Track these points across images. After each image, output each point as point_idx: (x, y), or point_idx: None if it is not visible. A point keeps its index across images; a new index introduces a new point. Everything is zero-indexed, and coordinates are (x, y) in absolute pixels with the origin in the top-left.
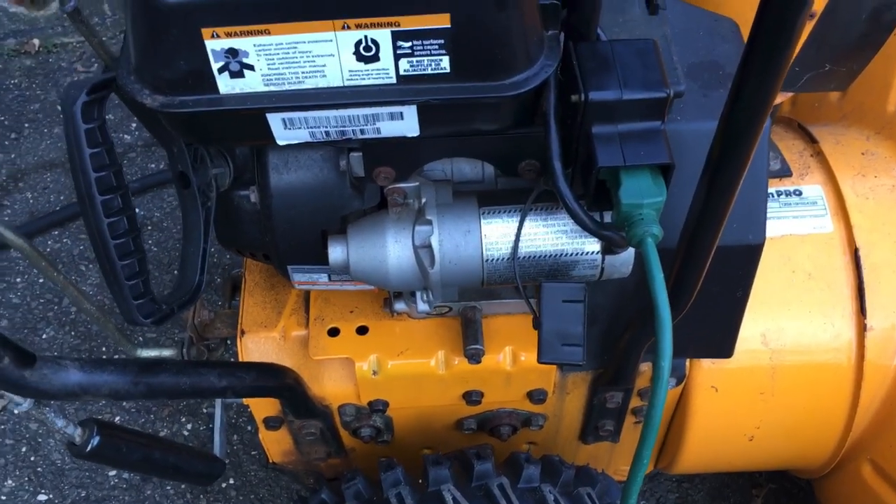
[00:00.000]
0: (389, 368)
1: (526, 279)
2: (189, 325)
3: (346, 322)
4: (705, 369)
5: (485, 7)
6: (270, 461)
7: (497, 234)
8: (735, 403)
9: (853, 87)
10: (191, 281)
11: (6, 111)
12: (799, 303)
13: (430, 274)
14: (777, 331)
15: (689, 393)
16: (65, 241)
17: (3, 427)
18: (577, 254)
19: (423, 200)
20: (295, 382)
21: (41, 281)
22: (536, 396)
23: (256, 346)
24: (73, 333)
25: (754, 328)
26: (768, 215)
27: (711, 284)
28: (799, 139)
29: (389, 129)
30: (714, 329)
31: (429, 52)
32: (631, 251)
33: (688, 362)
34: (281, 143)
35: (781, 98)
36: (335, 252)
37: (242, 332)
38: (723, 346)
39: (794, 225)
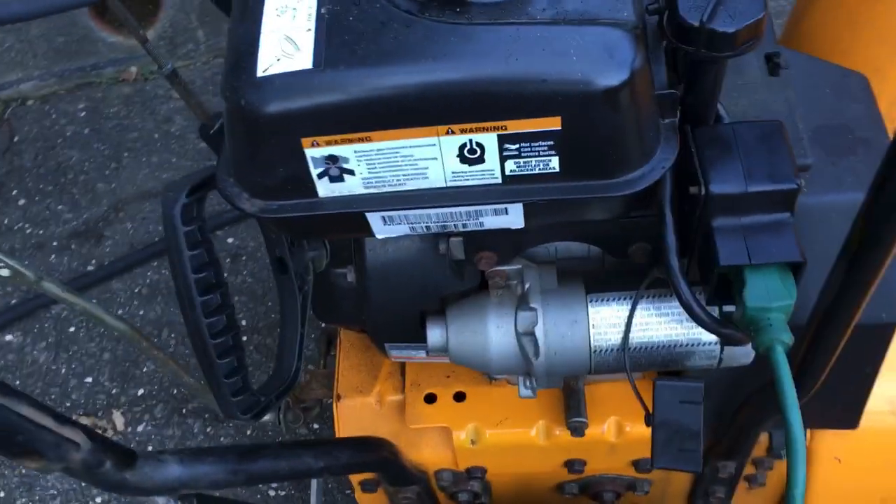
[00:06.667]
0: (488, 438)
1: (637, 369)
2: None
3: (443, 388)
4: (828, 440)
5: (598, 108)
6: None
7: (606, 324)
8: (861, 475)
9: None
10: (288, 368)
11: (106, 140)
12: None
13: (535, 364)
14: None
15: (810, 465)
16: (163, 272)
17: None
18: (692, 344)
19: (527, 286)
20: (390, 454)
21: (141, 313)
22: (642, 465)
23: (352, 412)
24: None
25: (881, 394)
26: None
27: (837, 360)
28: None
29: (493, 222)
30: (838, 401)
31: (537, 154)
32: None
33: (808, 432)
34: (380, 236)
35: None
36: (434, 335)
37: (338, 398)
38: (848, 417)
39: None
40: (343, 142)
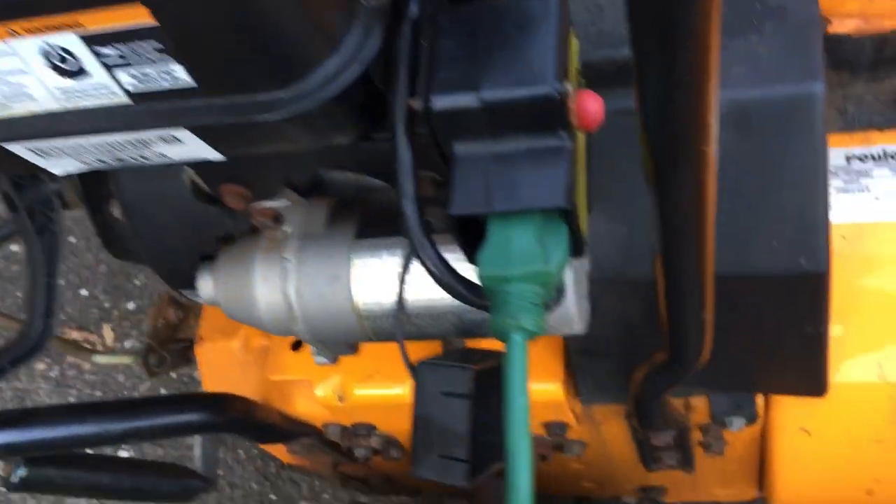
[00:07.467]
0: (356, 396)
1: (426, 337)
2: (148, 332)
3: None
4: (793, 409)
5: None
6: (285, 463)
7: (373, 281)
8: (839, 450)
9: None
10: (35, 327)
11: None
12: None
13: (296, 329)
14: None
15: (771, 436)
16: None
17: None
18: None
19: (288, 229)
20: (245, 414)
21: None
22: (555, 430)
23: (215, 358)
24: None
25: (867, 357)
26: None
27: (760, 320)
28: None
29: (176, 153)
30: (790, 365)
31: (150, 61)
32: (572, 304)
33: (765, 400)
34: (57, 172)
35: None
36: (204, 286)
37: (200, 339)
38: (811, 383)
39: None
40: None
